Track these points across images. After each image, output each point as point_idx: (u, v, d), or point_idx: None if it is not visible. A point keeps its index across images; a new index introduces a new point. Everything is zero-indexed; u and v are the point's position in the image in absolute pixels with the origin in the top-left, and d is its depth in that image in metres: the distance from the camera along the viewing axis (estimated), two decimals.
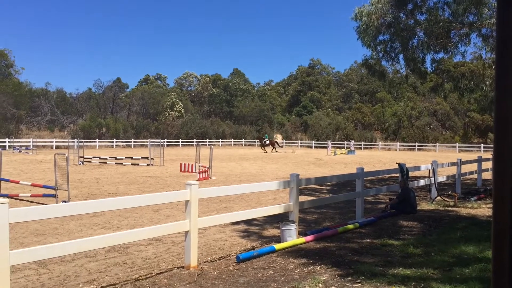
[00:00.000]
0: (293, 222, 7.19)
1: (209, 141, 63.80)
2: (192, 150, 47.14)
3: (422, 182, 12.25)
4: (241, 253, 6.36)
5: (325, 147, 51.71)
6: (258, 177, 18.84)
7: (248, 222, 8.67)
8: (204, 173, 17.90)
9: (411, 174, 11.16)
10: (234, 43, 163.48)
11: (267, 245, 6.95)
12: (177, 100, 75.77)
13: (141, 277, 5.35)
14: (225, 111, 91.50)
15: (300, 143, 67.48)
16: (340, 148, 53.33)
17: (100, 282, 5.27)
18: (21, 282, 5.30)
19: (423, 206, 10.99)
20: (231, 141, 68.69)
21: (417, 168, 12.96)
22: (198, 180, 16.49)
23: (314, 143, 63.94)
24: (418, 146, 56.52)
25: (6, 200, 4.10)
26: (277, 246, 6.61)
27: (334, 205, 11.13)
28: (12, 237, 5.72)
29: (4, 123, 51.24)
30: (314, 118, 74.84)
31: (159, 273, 5.51)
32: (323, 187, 15.24)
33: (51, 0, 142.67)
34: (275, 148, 44.91)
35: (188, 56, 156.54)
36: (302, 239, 7.04)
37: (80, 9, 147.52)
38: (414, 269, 5.42)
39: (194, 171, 19.64)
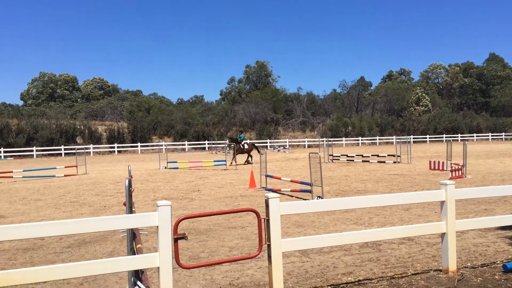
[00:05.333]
0: None
1: (461, 136, 58.58)
2: (441, 146, 44.10)
3: None
4: (508, 261, 5.66)
5: None
6: None
7: None
8: (457, 172, 16.54)
9: None
10: (489, 26, 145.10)
11: None
12: (423, 94, 72.16)
13: (396, 275, 5.38)
14: (480, 102, 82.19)
15: None
16: None
17: (357, 275, 5.54)
18: (288, 267, 6.02)
19: None
20: (488, 136, 61.30)
21: None
22: (450, 178, 15.37)
23: None
24: None
25: (277, 195, 4.75)
26: None
27: None
28: None
29: (266, 126, 58.78)
30: None
31: (415, 274, 5.42)
32: None
33: (295, 19, 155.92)
34: (251, 156, 26.80)
35: (434, 46, 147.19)
36: None
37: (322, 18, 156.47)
38: None
39: (445, 169, 18.37)
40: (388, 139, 56.84)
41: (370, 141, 57.12)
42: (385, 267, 5.87)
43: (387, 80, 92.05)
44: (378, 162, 24.79)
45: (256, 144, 28.96)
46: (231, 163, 24.72)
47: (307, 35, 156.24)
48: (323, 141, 38.17)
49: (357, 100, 72.11)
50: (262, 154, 26.64)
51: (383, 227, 7.97)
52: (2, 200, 13.84)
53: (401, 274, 5.46)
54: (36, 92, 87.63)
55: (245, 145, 26.71)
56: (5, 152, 43.37)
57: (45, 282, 5.32)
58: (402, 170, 20.13)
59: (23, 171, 21.92)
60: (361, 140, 56.43)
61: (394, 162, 23.96)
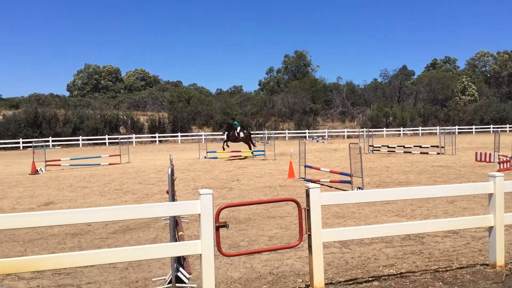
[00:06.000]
0: None
1: (509, 127, 56.17)
2: (488, 137, 42.42)
3: None
4: None
5: None
6: None
7: None
8: (505, 163, 15.87)
9: None
10: None
11: None
12: (470, 83, 69.42)
13: (440, 269, 5.25)
14: None
15: None
16: None
17: (399, 267, 5.44)
18: (328, 258, 5.99)
19: None
20: None
21: None
22: (498, 171, 14.77)
23: None
24: None
25: (318, 185, 4.72)
26: None
27: None
28: None
29: (304, 116, 58.38)
30: None
31: (460, 268, 5.27)
32: None
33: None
34: (250, 145, 25.62)
35: (481, 33, 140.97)
36: None
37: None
38: None
39: (492, 160, 17.68)
40: (432, 129, 55.23)
41: (412, 132, 55.68)
42: (429, 260, 5.74)
43: (431, 68, 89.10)
44: (421, 153, 24.15)
45: (251, 135, 27.63)
46: (224, 147, 24.82)
47: (347, 24, 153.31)
48: (363, 131, 37.55)
49: (399, 89, 70.22)
50: (255, 147, 25.87)
51: (427, 220, 7.78)
52: (51, 187, 14.49)
53: (445, 267, 5.32)
54: (81, 83, 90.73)
55: (241, 133, 25.13)
56: (53, 141, 45.27)
57: (92, 266, 5.56)
58: (446, 161, 19.53)
59: (70, 159, 22.83)
60: (403, 130, 55.08)
61: (438, 153, 23.26)
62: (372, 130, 41.25)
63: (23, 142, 43.94)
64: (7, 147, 43.75)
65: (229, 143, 25.96)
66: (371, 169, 16.99)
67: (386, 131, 54.40)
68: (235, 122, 26.56)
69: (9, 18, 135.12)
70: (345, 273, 5.32)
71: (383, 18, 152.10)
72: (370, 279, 5.00)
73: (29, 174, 18.82)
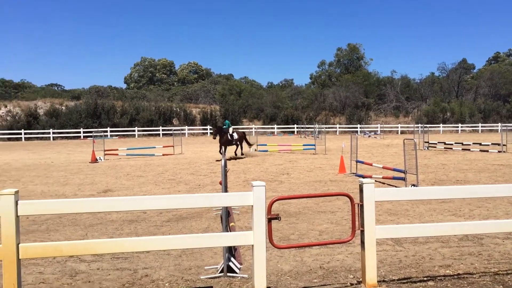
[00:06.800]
0: None
1: None
2: None
3: None
4: None
5: None
6: None
7: None
8: None
9: None
10: None
11: None
12: None
13: (501, 272, 5.02)
14: None
15: None
16: None
17: (456, 268, 5.25)
18: (381, 255, 5.87)
19: None
20: None
21: None
22: None
23: None
24: None
25: (372, 180, 4.64)
26: None
27: None
28: None
29: (356, 111, 57.27)
30: None
31: None
32: None
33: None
34: (241, 147, 22.32)
35: None
36: None
37: None
38: None
39: None
40: (492, 126, 52.51)
41: (471, 128, 53.21)
42: (488, 262, 5.50)
43: (493, 62, 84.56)
44: (480, 151, 23.03)
45: (246, 135, 24.11)
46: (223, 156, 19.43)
47: (402, 15, 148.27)
48: (418, 127, 36.32)
49: (458, 84, 67.15)
50: (252, 145, 22.55)
51: (486, 220, 7.44)
52: (110, 175, 15.15)
53: (506, 270, 5.07)
54: (137, 76, 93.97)
55: (234, 134, 21.33)
56: (111, 131, 47.27)
57: (148, 251, 5.78)
58: (508, 160, 18.52)
59: (127, 149, 23.74)
60: (461, 127, 52.74)
61: (499, 152, 22.09)
62: (427, 126, 39.75)
63: (84, 132, 46.19)
64: (69, 136, 46.15)
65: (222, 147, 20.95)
66: (426, 166, 16.43)
67: (443, 127, 52.34)
68: (226, 121, 23.38)
69: (72, 15, 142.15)
70: (399, 271, 5.20)
71: (441, 9, 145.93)
72: (425, 278, 4.85)
73: (89, 162, 19.78)
